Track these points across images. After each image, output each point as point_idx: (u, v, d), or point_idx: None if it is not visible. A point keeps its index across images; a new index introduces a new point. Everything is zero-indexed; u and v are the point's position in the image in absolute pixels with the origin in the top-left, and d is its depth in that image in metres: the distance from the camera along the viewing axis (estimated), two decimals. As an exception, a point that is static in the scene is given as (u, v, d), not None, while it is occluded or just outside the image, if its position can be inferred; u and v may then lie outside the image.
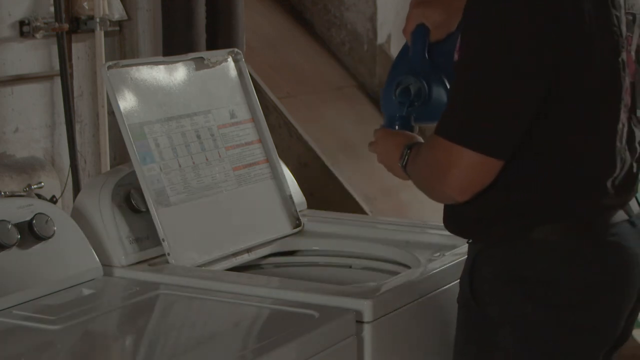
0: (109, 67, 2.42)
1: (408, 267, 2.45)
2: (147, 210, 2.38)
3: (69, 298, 2.18)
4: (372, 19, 4.84)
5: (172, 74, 2.57)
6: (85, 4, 3.27)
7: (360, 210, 4.02)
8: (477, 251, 2.07)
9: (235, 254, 2.52)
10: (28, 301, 2.15)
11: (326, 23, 4.93)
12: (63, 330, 2.01)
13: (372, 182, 4.26)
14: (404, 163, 2.12)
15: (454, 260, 2.36)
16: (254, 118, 2.72)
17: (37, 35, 3.13)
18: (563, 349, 2.02)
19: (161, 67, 2.55)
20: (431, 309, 2.29)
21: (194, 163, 2.52)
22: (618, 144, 2.02)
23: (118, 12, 3.37)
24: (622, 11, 2.02)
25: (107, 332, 2.13)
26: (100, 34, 3.29)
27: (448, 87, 2.21)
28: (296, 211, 2.70)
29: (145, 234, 2.40)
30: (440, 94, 2.23)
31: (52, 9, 3.15)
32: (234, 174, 2.61)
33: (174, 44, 3.36)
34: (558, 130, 1.97)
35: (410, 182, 2.13)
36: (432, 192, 2.05)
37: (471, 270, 2.08)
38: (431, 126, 2.05)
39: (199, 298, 2.20)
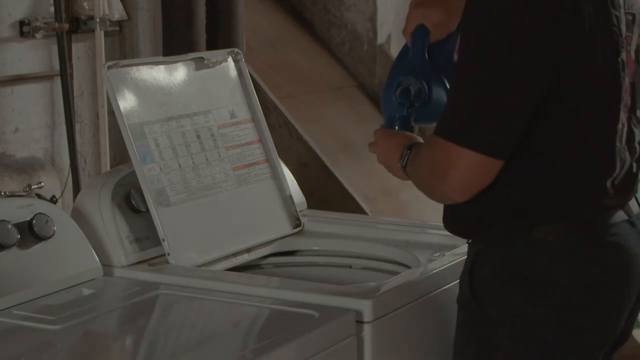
0: (109, 67, 2.43)
1: (408, 267, 2.45)
2: (147, 210, 2.38)
3: (69, 298, 2.19)
4: (372, 19, 4.84)
5: (172, 74, 2.57)
6: (85, 4, 3.27)
7: (360, 210, 4.02)
8: (477, 251, 2.07)
9: (235, 254, 2.52)
10: (28, 301, 2.15)
11: (326, 23, 4.93)
12: (63, 330, 2.01)
13: (372, 182, 4.26)
14: (404, 163, 2.12)
15: (454, 260, 2.36)
16: (254, 118, 2.72)
17: (37, 35, 3.13)
18: (563, 349, 2.02)
19: (161, 67, 2.55)
20: (431, 309, 2.29)
21: (194, 163, 2.52)
22: (618, 143, 2.02)
23: (118, 12, 3.37)
24: (622, 11, 2.02)
25: (107, 332, 2.13)
26: (100, 34, 3.29)
27: (448, 87, 2.21)
28: (296, 211, 2.70)
29: (145, 234, 2.40)
30: (440, 94, 2.23)
31: (52, 9, 3.15)
32: (234, 174, 2.61)
33: (174, 44, 3.36)
34: (558, 130, 1.97)
35: (410, 182, 2.13)
36: (431, 193, 2.05)
37: (471, 271, 2.08)
38: (431, 126, 2.05)
39: (199, 298, 2.20)
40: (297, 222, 2.70)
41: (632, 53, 2.06)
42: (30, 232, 2.22)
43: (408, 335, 2.24)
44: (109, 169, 3.30)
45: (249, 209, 2.61)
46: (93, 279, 2.28)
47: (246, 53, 3.03)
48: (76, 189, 3.17)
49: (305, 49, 4.81)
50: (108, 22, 3.31)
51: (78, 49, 3.30)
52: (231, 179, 2.60)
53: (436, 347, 2.31)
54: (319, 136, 4.26)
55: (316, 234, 2.71)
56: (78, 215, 2.37)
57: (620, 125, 2.02)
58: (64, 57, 3.15)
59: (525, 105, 1.93)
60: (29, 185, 2.96)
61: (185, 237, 2.42)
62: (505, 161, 1.95)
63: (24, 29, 3.12)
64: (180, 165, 2.49)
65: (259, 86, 3.99)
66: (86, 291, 2.23)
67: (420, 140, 2.18)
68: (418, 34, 2.26)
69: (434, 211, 2.25)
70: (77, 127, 3.27)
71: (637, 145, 2.08)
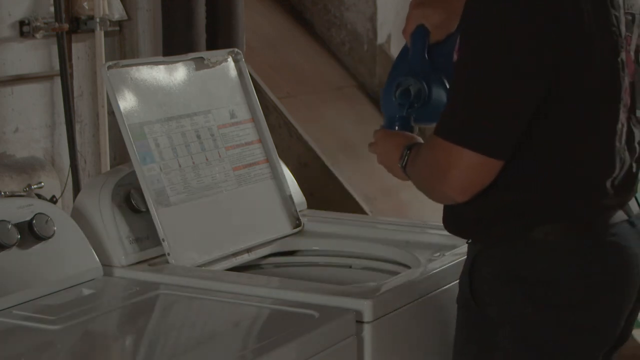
0: (109, 67, 2.43)
1: (408, 267, 2.45)
2: (147, 210, 2.39)
3: (69, 298, 2.19)
4: (372, 19, 4.84)
5: (172, 74, 2.57)
6: (85, 4, 3.27)
7: (360, 210, 4.02)
8: (477, 251, 2.07)
9: (235, 254, 2.52)
10: (28, 301, 2.15)
11: (326, 23, 4.93)
12: (63, 330, 2.01)
13: (372, 182, 4.26)
14: (404, 164, 2.12)
15: (454, 260, 2.36)
16: (254, 118, 2.72)
17: (37, 35, 3.13)
18: (563, 349, 2.02)
19: (161, 67, 2.55)
20: (431, 309, 2.29)
21: (194, 163, 2.52)
22: (617, 144, 2.02)
23: (118, 12, 3.37)
24: (621, 11, 2.02)
25: (107, 332, 2.13)
26: (100, 34, 3.29)
27: (448, 88, 2.21)
28: (296, 211, 2.70)
29: (145, 234, 2.40)
30: (440, 94, 2.23)
31: (52, 9, 3.15)
32: (234, 174, 2.61)
33: (174, 44, 3.36)
34: (558, 130, 1.97)
35: (410, 182, 2.13)
36: (432, 193, 2.05)
37: (471, 271, 2.08)
38: (431, 127, 2.05)
39: (199, 298, 2.20)
40: (297, 222, 2.70)
41: (632, 53, 2.06)
42: (30, 232, 2.22)
43: (408, 335, 2.24)
44: (109, 169, 3.30)
45: (249, 209, 2.61)
46: (93, 279, 2.28)
47: (246, 53, 3.03)
48: (76, 189, 3.17)
49: (305, 49, 4.81)
50: (108, 22, 3.31)
51: (78, 49, 3.30)
52: (231, 179, 2.60)
53: (436, 347, 2.31)
54: (319, 136, 4.26)
55: (316, 234, 2.71)
56: (78, 215, 2.37)
57: (619, 125, 2.02)
58: (64, 57, 3.15)
59: (525, 105, 1.93)
60: (29, 185, 2.96)
61: (185, 237, 2.42)
62: (505, 161, 1.95)
63: (24, 29, 3.12)
64: (180, 165, 2.49)
65: (259, 86, 3.99)
66: (86, 291, 2.23)
67: (420, 140, 2.18)
68: (418, 34, 2.26)
69: (434, 211, 2.25)
70: (77, 127, 3.27)
71: (636, 145, 2.08)
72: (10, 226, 2.18)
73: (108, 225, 2.36)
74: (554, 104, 1.95)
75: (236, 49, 2.74)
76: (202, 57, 2.65)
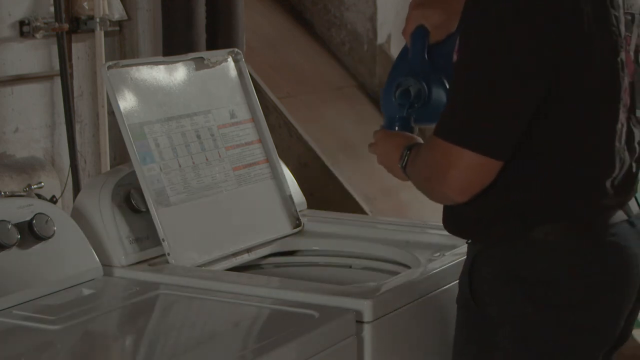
0: (109, 67, 2.43)
1: (408, 267, 2.45)
2: (147, 210, 2.39)
3: (69, 298, 2.19)
4: (372, 19, 4.84)
5: (172, 74, 2.57)
6: (85, 4, 3.27)
7: (360, 210, 4.02)
8: (477, 251, 2.07)
9: (235, 254, 2.52)
10: (28, 301, 2.15)
11: (326, 23, 4.93)
12: (63, 330, 2.01)
13: (372, 182, 4.26)
14: (404, 164, 2.12)
15: (454, 260, 2.36)
16: (254, 118, 2.72)
17: (37, 35, 3.13)
18: (563, 349, 2.02)
19: (161, 67, 2.55)
20: (431, 309, 2.29)
21: (194, 163, 2.52)
22: (617, 144, 2.02)
23: (118, 12, 3.37)
24: (621, 11, 2.02)
25: (107, 332, 2.13)
26: (100, 34, 3.29)
27: (448, 88, 2.21)
28: (296, 211, 2.70)
29: (145, 234, 2.40)
30: (440, 95, 2.23)
31: (52, 9, 3.15)
32: (234, 174, 2.61)
33: (174, 44, 3.36)
34: (558, 130, 1.97)
35: (410, 183, 2.13)
36: (431, 193, 2.05)
37: (470, 271, 2.08)
38: (431, 127, 2.05)
39: (199, 298, 2.20)
40: (297, 222, 2.70)
41: (632, 53, 2.06)
42: (30, 232, 2.22)
43: (408, 335, 2.24)
44: (109, 169, 3.30)
45: (249, 209, 2.61)
46: (93, 279, 2.28)
47: (246, 53, 3.03)
48: (76, 189, 3.17)
49: (305, 49, 4.81)
50: (108, 22, 3.31)
51: (78, 49, 3.30)
52: (231, 179, 2.60)
53: (436, 347, 2.31)
54: (319, 136, 4.26)
55: (316, 234, 2.71)
56: (78, 215, 2.38)
57: (619, 125, 2.02)
58: (64, 57, 3.15)
59: (525, 106, 1.93)
60: (29, 185, 2.96)
61: (185, 237, 2.42)
62: (505, 161, 1.95)
63: (24, 29, 3.12)
64: (180, 165, 2.49)
65: (259, 86, 3.99)
66: (86, 291, 2.23)
67: (420, 141, 2.18)
68: (418, 34, 2.26)
69: (434, 211, 2.25)
70: (77, 127, 3.27)
71: (636, 145, 2.08)
72: (10, 226, 2.18)
73: (108, 225, 2.36)
74: (554, 104, 1.95)
75: (236, 49, 2.74)
76: (202, 57, 2.65)
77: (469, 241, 2.12)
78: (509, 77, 1.91)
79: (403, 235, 2.64)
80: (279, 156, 2.73)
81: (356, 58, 4.88)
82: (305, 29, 4.92)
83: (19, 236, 2.19)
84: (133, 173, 2.41)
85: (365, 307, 2.09)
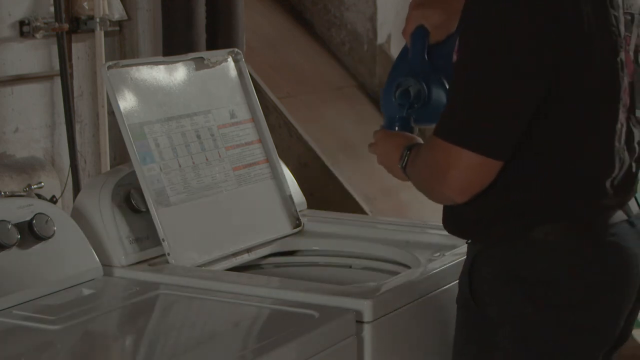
0: (109, 67, 2.43)
1: (408, 267, 2.45)
2: (147, 210, 2.39)
3: (69, 298, 2.19)
4: (372, 19, 4.84)
5: (172, 74, 2.57)
6: (85, 4, 3.27)
7: (360, 210, 4.02)
8: (477, 251, 2.07)
9: (235, 254, 2.52)
10: (28, 301, 2.15)
11: (326, 23, 4.93)
12: (63, 330, 2.01)
13: (372, 182, 4.26)
14: (404, 164, 2.12)
15: (454, 260, 2.36)
16: (254, 118, 2.72)
17: (37, 35, 3.14)
18: (563, 349, 2.02)
19: (161, 67, 2.55)
20: (431, 309, 2.29)
21: (194, 163, 2.52)
22: (617, 144, 2.02)
23: (118, 12, 3.37)
24: (621, 11, 2.02)
25: (107, 332, 2.13)
26: (100, 34, 3.29)
27: (448, 88, 2.21)
28: (296, 211, 2.70)
29: (145, 234, 2.40)
30: (440, 95, 2.23)
31: (52, 9, 3.15)
32: (234, 174, 2.61)
33: (174, 44, 3.36)
34: (558, 130, 1.97)
35: (410, 183, 2.13)
36: (431, 193, 2.05)
37: (470, 271, 2.08)
38: (431, 127, 2.05)
39: (199, 298, 2.20)
40: (297, 222, 2.70)
41: (631, 53, 2.06)
42: (30, 232, 2.22)
43: (408, 335, 2.24)
44: (109, 169, 3.30)
45: (249, 209, 2.61)
46: (93, 279, 2.28)
47: (246, 53, 3.03)
48: (76, 189, 3.17)
49: (305, 49, 4.81)
50: (108, 22, 3.31)
51: (78, 49, 3.30)
52: (231, 179, 2.60)
53: (436, 347, 2.31)
54: (319, 136, 4.26)
55: (316, 234, 2.71)
56: (78, 215, 2.38)
57: (619, 125, 2.02)
58: (64, 57, 3.15)
59: (525, 106, 1.93)
60: (29, 185, 2.96)
61: (185, 237, 2.42)
62: (505, 161, 1.95)
63: (24, 29, 3.12)
64: (180, 165, 2.49)
65: (259, 86, 4.00)
66: (86, 291, 2.23)
67: (420, 141, 2.18)
68: (418, 35, 2.26)
69: (434, 211, 2.25)
70: (77, 127, 3.27)
71: (636, 145, 2.08)
72: (10, 226, 2.18)
73: (108, 225, 2.36)
74: (554, 104, 1.95)
75: (236, 49, 2.74)
76: (202, 57, 2.65)
77: (469, 241, 2.12)
78: (509, 77, 1.91)
79: (403, 235, 2.64)
80: (279, 156, 2.73)
81: (356, 58, 4.88)
82: (305, 29, 4.92)
83: (19, 236, 2.19)
84: (133, 173, 2.41)
85: (365, 307, 2.09)
